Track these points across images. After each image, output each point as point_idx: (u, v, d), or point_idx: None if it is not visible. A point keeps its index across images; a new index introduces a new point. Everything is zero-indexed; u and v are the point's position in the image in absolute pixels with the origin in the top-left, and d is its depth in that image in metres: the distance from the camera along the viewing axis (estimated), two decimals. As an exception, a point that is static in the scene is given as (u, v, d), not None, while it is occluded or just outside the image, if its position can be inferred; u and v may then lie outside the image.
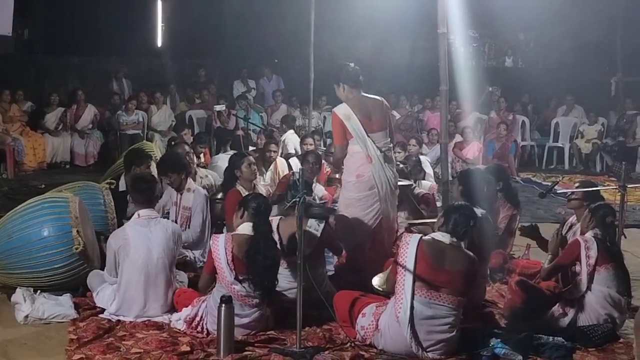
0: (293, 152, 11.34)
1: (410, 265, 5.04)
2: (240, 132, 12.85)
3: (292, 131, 12.20)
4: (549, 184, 10.45)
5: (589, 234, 5.78)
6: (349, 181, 6.63)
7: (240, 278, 5.37)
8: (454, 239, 5.17)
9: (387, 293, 5.38)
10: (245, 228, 5.51)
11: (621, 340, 5.50)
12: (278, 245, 5.89)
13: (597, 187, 6.87)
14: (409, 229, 7.23)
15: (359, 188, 6.54)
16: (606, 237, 5.77)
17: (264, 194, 7.37)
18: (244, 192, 7.26)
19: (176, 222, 6.98)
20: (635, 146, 14.76)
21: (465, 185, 6.50)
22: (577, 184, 7.10)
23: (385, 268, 5.88)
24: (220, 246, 5.43)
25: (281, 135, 12.10)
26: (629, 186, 6.92)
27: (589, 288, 5.64)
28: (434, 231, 5.42)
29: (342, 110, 6.56)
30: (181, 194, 7.38)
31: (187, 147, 9.09)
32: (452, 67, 7.92)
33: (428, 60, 13.79)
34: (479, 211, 6.04)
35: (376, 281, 5.75)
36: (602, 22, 16.58)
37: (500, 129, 14.40)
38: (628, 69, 16.37)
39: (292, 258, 5.83)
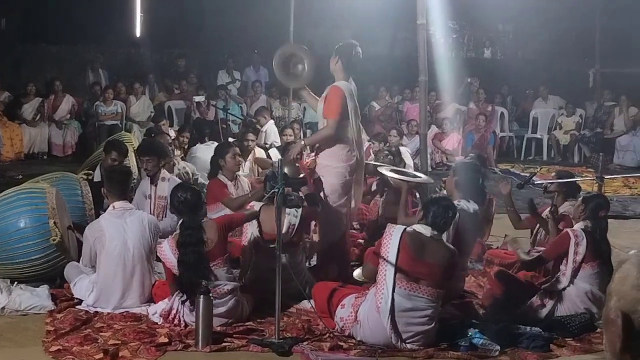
0: (274, 142, 11.34)
1: (393, 256, 5.04)
2: (222, 125, 12.83)
3: (272, 121, 12.20)
4: (527, 174, 10.49)
5: (579, 226, 5.72)
6: (336, 167, 6.43)
7: None
8: (435, 232, 5.18)
9: (368, 283, 5.39)
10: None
11: (598, 330, 5.52)
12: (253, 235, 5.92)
13: (573, 177, 6.92)
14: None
15: (345, 174, 6.43)
16: (597, 230, 5.69)
17: (247, 185, 7.40)
18: (226, 182, 7.26)
19: (152, 213, 6.92)
20: (612, 137, 14.85)
21: (461, 176, 6.35)
22: (553, 174, 7.15)
23: (365, 258, 5.87)
24: (166, 250, 5.42)
25: (261, 126, 12.09)
26: (606, 177, 6.99)
27: (571, 282, 5.62)
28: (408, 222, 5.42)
29: (345, 87, 6.41)
30: (156, 185, 7.31)
31: (168, 138, 9.05)
32: (431, 58, 7.93)
33: (408, 51, 13.82)
34: (472, 206, 6.02)
35: (357, 273, 5.76)
36: (581, 13, 16.64)
37: (479, 120, 14.45)
38: (606, 61, 16.45)
39: (270, 246, 5.85)
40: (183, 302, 5.30)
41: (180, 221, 5.49)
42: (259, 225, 6.05)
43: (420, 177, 7.03)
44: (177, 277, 5.35)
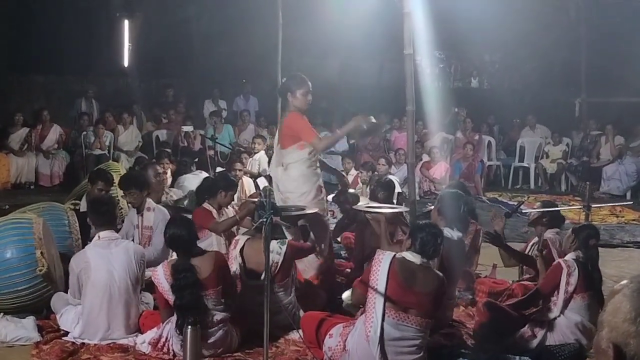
0: (264, 170, 11.39)
1: (382, 284, 5.00)
2: (210, 152, 12.83)
3: (263, 150, 12.25)
4: (515, 203, 10.53)
5: (570, 256, 5.70)
6: None
7: None
8: (424, 260, 5.15)
9: (354, 309, 5.36)
10: None
11: (587, 360, 5.52)
12: (237, 269, 5.85)
13: (557, 206, 6.94)
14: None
15: None
16: (588, 260, 5.67)
17: (232, 214, 7.36)
18: (211, 210, 7.23)
19: (139, 243, 6.88)
20: (599, 166, 14.92)
21: (444, 205, 6.39)
22: (538, 204, 7.18)
23: (354, 285, 5.83)
24: (160, 276, 5.37)
25: (252, 155, 12.13)
26: (593, 206, 7.00)
27: (562, 312, 5.59)
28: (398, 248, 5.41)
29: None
30: (142, 215, 7.29)
31: (158, 168, 9.06)
32: (418, 87, 7.93)
33: (395, 80, 13.84)
34: (455, 234, 6.02)
35: (345, 295, 5.73)
36: (567, 43, 16.81)
37: (467, 149, 14.50)
38: (592, 90, 16.60)
39: (254, 282, 5.78)
40: (183, 325, 5.10)
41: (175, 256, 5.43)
42: (243, 260, 5.97)
43: (396, 208, 7.08)
44: (173, 302, 5.27)
